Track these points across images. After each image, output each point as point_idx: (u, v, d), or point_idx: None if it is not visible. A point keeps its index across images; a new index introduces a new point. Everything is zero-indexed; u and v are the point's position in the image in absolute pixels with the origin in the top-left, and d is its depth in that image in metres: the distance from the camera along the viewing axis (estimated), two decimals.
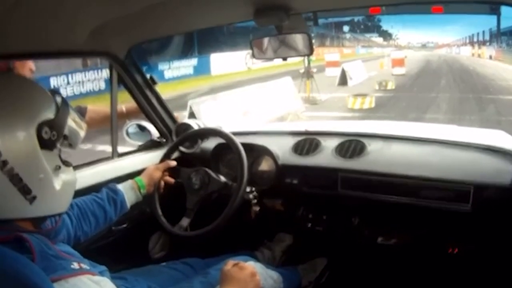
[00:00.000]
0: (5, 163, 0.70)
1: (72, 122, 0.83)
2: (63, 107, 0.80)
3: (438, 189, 1.30)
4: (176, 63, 14.23)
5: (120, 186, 1.25)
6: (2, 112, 0.72)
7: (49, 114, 0.77)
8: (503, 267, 1.35)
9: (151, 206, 1.41)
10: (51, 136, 0.76)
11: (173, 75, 13.89)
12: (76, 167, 1.45)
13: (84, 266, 0.79)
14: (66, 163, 0.83)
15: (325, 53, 16.67)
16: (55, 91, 0.83)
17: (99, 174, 1.48)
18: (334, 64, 13.48)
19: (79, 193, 1.35)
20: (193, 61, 15.17)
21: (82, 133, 0.86)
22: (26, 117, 0.73)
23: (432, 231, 1.49)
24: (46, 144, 0.75)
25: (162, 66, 13.49)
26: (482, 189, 1.24)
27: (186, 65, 14.66)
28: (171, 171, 1.43)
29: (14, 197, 0.72)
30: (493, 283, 1.38)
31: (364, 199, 1.45)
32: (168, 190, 1.42)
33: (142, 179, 1.32)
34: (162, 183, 1.40)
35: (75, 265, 0.77)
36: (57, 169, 0.78)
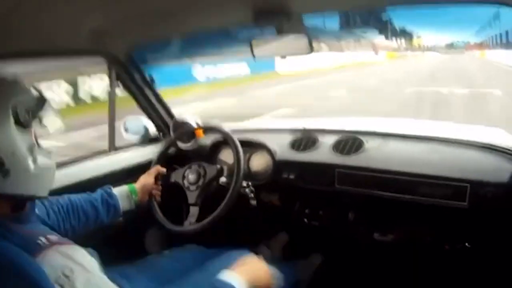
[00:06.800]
0: None
1: (48, 113, 0.88)
2: (41, 98, 0.87)
3: (435, 186, 1.30)
4: None
5: (116, 191, 1.26)
6: None
7: (26, 98, 0.84)
8: (500, 263, 1.36)
9: (152, 211, 1.40)
10: (26, 114, 0.82)
11: None
12: (72, 161, 1.48)
13: (52, 237, 0.83)
14: (44, 148, 0.87)
15: None
16: (38, 89, 0.90)
17: (96, 167, 1.48)
18: None
19: (75, 186, 1.36)
20: None
21: (52, 125, 0.90)
22: (3, 96, 0.80)
23: (428, 227, 1.50)
24: (20, 121, 0.80)
25: None
26: (479, 187, 1.24)
27: None
28: (164, 175, 1.42)
29: None
30: (490, 279, 1.38)
31: (361, 195, 1.45)
32: (165, 192, 1.42)
33: (136, 186, 1.31)
34: (157, 191, 1.39)
35: (43, 240, 0.80)
36: (31, 148, 0.82)
